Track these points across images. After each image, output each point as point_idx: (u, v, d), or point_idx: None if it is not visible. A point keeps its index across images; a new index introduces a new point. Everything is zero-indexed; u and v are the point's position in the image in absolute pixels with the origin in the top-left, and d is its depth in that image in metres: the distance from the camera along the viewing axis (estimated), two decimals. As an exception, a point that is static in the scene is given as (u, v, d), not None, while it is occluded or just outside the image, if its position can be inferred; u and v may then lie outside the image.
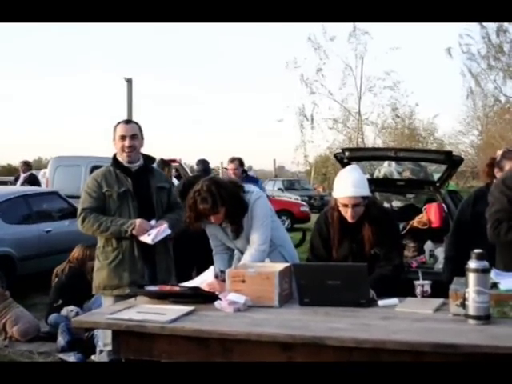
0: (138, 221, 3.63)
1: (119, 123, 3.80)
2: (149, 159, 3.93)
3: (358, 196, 3.25)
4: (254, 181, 7.16)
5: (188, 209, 3.37)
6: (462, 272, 3.05)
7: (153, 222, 3.69)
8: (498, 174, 3.62)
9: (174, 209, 3.88)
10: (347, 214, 3.28)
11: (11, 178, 14.51)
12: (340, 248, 3.37)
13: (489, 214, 3.26)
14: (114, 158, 3.82)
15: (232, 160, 7.05)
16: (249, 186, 3.51)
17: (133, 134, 3.74)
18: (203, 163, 8.05)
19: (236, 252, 3.59)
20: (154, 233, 3.62)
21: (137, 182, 3.76)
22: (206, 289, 3.16)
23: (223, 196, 3.29)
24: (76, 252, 5.88)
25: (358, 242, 3.34)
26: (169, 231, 3.71)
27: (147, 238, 3.61)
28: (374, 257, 3.31)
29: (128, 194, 3.73)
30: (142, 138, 3.83)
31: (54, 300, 5.64)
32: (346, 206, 3.27)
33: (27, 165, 11.45)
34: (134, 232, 3.62)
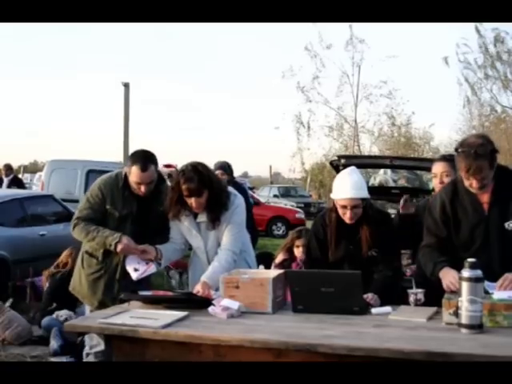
0: (125, 239, 3.45)
1: (135, 164, 3.45)
2: (161, 179, 3.71)
3: (358, 198, 3.26)
4: (238, 184, 6.87)
5: (171, 190, 3.30)
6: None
7: (140, 246, 3.51)
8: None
9: (164, 229, 3.61)
10: (346, 215, 3.28)
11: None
12: (336, 250, 3.35)
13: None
14: (126, 178, 3.56)
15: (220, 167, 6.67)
16: (231, 188, 3.49)
17: (149, 182, 3.51)
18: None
19: (194, 253, 3.53)
20: (142, 271, 3.52)
21: (141, 205, 3.59)
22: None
23: (211, 178, 3.24)
24: (63, 256, 5.87)
25: (356, 244, 3.33)
26: (155, 270, 3.59)
27: (133, 274, 3.51)
28: (371, 259, 3.30)
29: (129, 218, 3.57)
30: (157, 167, 3.57)
31: (47, 304, 5.62)
32: (344, 207, 3.27)
33: (9, 168, 11.42)
34: (118, 250, 3.46)
